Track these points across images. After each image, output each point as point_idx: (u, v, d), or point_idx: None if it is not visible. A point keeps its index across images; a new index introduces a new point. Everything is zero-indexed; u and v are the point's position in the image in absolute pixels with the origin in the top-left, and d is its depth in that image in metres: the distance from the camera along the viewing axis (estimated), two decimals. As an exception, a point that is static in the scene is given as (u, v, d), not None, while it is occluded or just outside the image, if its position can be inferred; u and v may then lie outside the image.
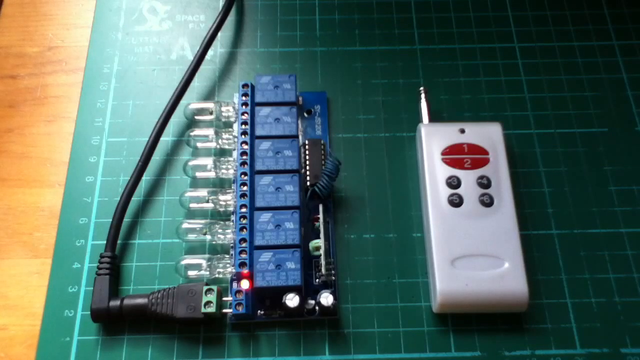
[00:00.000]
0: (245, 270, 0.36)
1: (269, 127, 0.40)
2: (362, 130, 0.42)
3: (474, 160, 0.39)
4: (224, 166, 0.39)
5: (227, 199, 0.38)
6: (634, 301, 0.37)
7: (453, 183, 0.38)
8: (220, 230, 0.37)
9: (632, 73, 0.44)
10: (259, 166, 0.38)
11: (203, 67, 0.44)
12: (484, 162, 0.39)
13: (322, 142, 0.40)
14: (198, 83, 0.44)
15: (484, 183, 0.38)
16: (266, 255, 0.36)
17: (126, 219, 0.39)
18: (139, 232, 0.39)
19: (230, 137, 0.40)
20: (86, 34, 0.46)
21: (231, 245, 0.37)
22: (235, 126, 0.41)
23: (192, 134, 0.41)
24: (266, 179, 0.38)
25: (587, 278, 0.38)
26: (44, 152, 0.42)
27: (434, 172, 0.38)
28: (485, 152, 0.39)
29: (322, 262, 0.36)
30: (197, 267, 0.36)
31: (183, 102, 0.42)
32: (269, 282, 0.35)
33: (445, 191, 0.38)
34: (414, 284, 0.37)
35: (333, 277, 0.37)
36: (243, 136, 0.40)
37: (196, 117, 0.42)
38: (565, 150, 0.42)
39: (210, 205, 0.38)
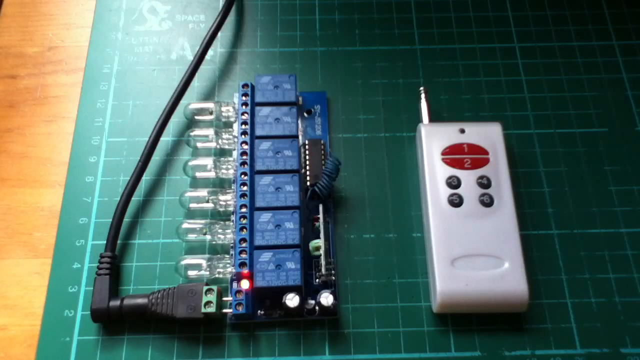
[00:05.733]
0: (245, 270, 0.36)
1: (269, 127, 0.40)
2: (362, 130, 0.42)
3: (474, 160, 0.39)
4: (224, 166, 0.39)
5: (227, 199, 0.38)
6: (634, 301, 0.37)
7: (453, 183, 0.38)
8: (220, 230, 0.37)
9: (632, 73, 0.44)
10: (259, 166, 0.38)
11: (203, 67, 0.44)
12: (484, 162, 0.39)
13: (322, 142, 0.40)
14: (198, 83, 0.44)
15: (484, 183, 0.38)
16: (266, 255, 0.36)
17: (126, 219, 0.39)
18: (139, 232, 0.39)
19: (230, 137, 0.40)
20: (86, 34, 0.46)
21: (231, 245, 0.37)
22: (235, 126, 0.41)
23: (192, 134, 0.41)
24: (266, 179, 0.38)
25: (587, 278, 0.38)
26: (44, 152, 0.42)
27: (434, 172, 0.38)
28: (485, 152, 0.39)
29: (322, 262, 0.36)
30: (197, 267, 0.36)
31: (183, 102, 0.42)
32: (269, 282, 0.35)
33: (445, 191, 0.38)
34: (414, 284, 0.37)
35: (333, 277, 0.37)
36: (243, 136, 0.40)
37: (196, 117, 0.42)
38: (565, 150, 0.42)
39: (210, 205, 0.38)
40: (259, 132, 0.39)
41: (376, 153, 0.42)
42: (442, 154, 0.39)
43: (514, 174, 0.40)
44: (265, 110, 0.40)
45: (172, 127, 0.42)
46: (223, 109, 0.41)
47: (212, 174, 0.39)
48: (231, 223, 0.38)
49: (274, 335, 0.36)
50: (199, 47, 0.43)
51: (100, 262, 0.37)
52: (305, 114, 0.43)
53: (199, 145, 0.41)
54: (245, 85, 0.41)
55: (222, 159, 0.40)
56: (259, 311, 0.36)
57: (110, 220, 0.38)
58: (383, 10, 0.47)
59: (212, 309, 0.35)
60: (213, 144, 0.41)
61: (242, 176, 0.38)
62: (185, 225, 0.38)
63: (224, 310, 0.35)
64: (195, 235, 0.38)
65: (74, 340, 0.36)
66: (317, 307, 0.36)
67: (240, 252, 0.36)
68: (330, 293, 0.36)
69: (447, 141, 0.39)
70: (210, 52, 0.45)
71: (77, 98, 0.43)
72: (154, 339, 0.36)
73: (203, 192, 0.38)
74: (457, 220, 0.37)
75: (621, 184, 0.41)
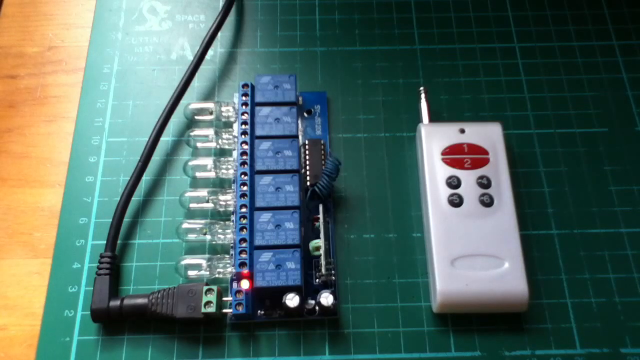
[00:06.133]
0: (245, 270, 0.36)
1: (269, 127, 0.40)
2: (362, 130, 0.42)
3: (474, 160, 0.39)
4: (224, 166, 0.39)
5: (227, 199, 0.38)
6: (634, 301, 0.37)
7: (453, 183, 0.38)
8: (220, 230, 0.37)
9: (632, 73, 0.45)
10: (259, 166, 0.38)
11: (203, 67, 0.44)
12: (484, 162, 0.39)
13: (322, 142, 0.40)
14: (198, 83, 0.44)
15: (484, 183, 0.38)
16: (266, 255, 0.36)
17: (126, 219, 0.39)
18: (139, 232, 0.39)
19: (230, 137, 0.40)
20: (86, 34, 0.46)
21: (231, 245, 0.37)
22: (235, 126, 0.41)
23: (192, 134, 0.41)
24: (266, 179, 0.38)
25: (587, 278, 0.38)
26: (44, 152, 0.42)
27: (434, 172, 0.38)
28: (485, 152, 0.39)
29: (322, 262, 0.36)
30: (197, 267, 0.36)
31: (183, 102, 0.42)
32: (269, 282, 0.35)
33: (445, 191, 0.38)
34: (414, 284, 0.37)
35: (333, 277, 0.37)
36: (243, 136, 0.40)
37: (196, 117, 0.42)
38: (565, 150, 0.42)
39: (210, 205, 0.38)
40: (259, 132, 0.39)
41: (376, 153, 0.42)
42: (442, 154, 0.39)
43: (514, 174, 0.40)
44: (265, 110, 0.40)
45: (172, 127, 0.42)
46: (223, 109, 0.41)
47: (212, 174, 0.39)
48: (231, 223, 0.38)
49: (274, 335, 0.36)
50: (199, 47, 0.43)
51: (100, 262, 0.37)
52: (305, 114, 0.43)
53: (199, 145, 0.41)
54: (245, 85, 0.41)
55: (222, 159, 0.40)
56: (259, 311, 0.36)
57: (110, 220, 0.38)
58: (383, 10, 0.47)
59: (212, 309, 0.35)
60: (213, 144, 0.41)
61: (242, 176, 0.38)
62: (185, 225, 0.38)
63: (224, 310, 0.35)
64: (195, 235, 0.38)
65: (74, 340, 0.36)
66: (317, 307, 0.36)
67: (240, 252, 0.36)
68: (330, 293, 0.36)
69: (447, 141, 0.39)
70: (210, 52, 0.45)
71: (77, 98, 0.43)
72: (154, 339, 0.36)
73: (203, 192, 0.38)
74: (457, 220, 0.37)
75: (621, 184, 0.41)
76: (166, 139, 0.42)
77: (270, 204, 0.37)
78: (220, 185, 0.40)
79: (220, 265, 0.37)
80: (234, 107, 0.41)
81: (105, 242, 0.38)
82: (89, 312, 0.35)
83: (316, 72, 0.45)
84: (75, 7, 0.48)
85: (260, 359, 0.35)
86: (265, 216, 0.37)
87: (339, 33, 0.46)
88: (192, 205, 0.38)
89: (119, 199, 0.38)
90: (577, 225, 0.39)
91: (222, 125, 0.42)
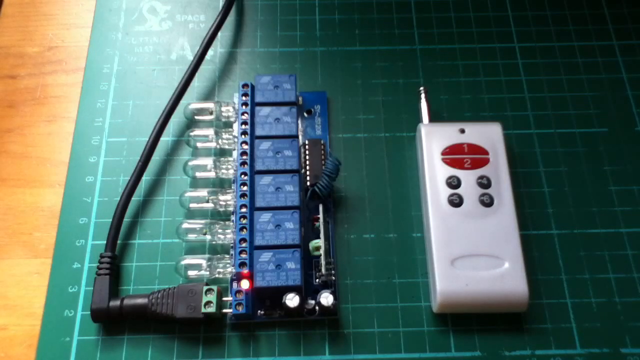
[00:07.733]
0: (245, 270, 0.36)
1: (269, 127, 0.40)
2: (362, 130, 0.42)
3: (474, 160, 0.39)
4: (224, 166, 0.39)
5: (227, 199, 0.38)
6: (634, 301, 0.37)
7: (453, 183, 0.38)
8: (220, 230, 0.37)
9: (632, 73, 0.44)
10: (259, 166, 0.38)
11: (203, 67, 0.44)
12: (484, 162, 0.39)
13: (322, 142, 0.40)
14: (198, 83, 0.44)
15: (484, 183, 0.38)
16: (266, 255, 0.36)
17: (126, 219, 0.39)
18: (139, 232, 0.39)
19: (230, 137, 0.40)
20: (86, 34, 0.46)
21: (231, 245, 0.37)
22: (235, 126, 0.41)
23: (192, 134, 0.41)
24: (266, 179, 0.38)
25: (587, 278, 0.38)
26: (44, 152, 0.42)
27: (434, 172, 0.38)
28: (485, 152, 0.39)
29: (322, 262, 0.36)
30: (197, 267, 0.36)
31: (183, 102, 0.42)
32: (269, 282, 0.35)
33: (445, 191, 0.38)
34: (414, 284, 0.37)
35: (333, 277, 0.37)
36: (243, 136, 0.40)
37: (196, 117, 0.42)
38: (565, 150, 0.42)
39: (210, 205, 0.38)
40: (259, 132, 0.39)
41: (376, 153, 0.42)
42: (442, 154, 0.39)
43: (514, 174, 0.40)
44: (265, 110, 0.40)
45: (172, 127, 0.42)
46: (223, 109, 0.41)
47: (212, 174, 0.39)
48: (231, 223, 0.38)
49: (274, 335, 0.36)
50: (199, 47, 0.43)
51: (100, 262, 0.37)
52: (305, 114, 0.43)
53: (199, 145, 0.41)
54: (245, 85, 0.41)
55: (222, 159, 0.40)
56: (259, 311, 0.36)
57: (110, 220, 0.38)
58: (383, 10, 0.47)
59: (212, 309, 0.35)
60: (213, 144, 0.41)
61: (242, 176, 0.38)
62: (185, 225, 0.38)
63: (224, 310, 0.35)
64: (195, 235, 0.38)
65: (74, 340, 0.36)
66: (317, 307, 0.36)
67: (240, 252, 0.36)
68: (330, 293, 0.36)
69: (447, 141, 0.39)
70: (210, 52, 0.45)
71: (77, 98, 0.43)
72: (154, 339, 0.36)
73: (203, 192, 0.38)
74: (457, 220, 0.37)
75: (621, 184, 0.41)
76: (166, 139, 0.42)
77: (270, 204, 0.37)
78: (220, 185, 0.40)
79: (220, 265, 0.37)
80: (234, 107, 0.41)
81: (105, 242, 0.38)
82: (89, 312, 0.35)
83: (316, 72, 0.45)
84: (75, 7, 0.48)
85: (260, 359, 0.35)
86: (265, 216, 0.37)
87: (339, 33, 0.46)
88: (192, 205, 0.38)
89: (119, 199, 0.38)
90: (577, 225, 0.39)
91: (222, 125, 0.42)
